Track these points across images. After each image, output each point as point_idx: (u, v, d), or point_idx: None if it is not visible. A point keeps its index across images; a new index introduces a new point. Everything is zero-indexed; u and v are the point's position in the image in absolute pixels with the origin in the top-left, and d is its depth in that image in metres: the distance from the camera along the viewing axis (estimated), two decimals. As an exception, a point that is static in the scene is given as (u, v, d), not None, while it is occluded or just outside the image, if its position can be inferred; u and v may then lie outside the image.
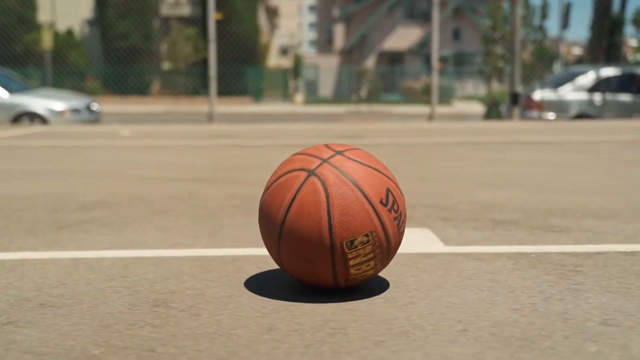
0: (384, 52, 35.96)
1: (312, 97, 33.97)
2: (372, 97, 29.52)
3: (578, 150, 5.93)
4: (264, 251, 2.18)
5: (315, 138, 7.37)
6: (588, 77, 14.21)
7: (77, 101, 13.62)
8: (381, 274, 1.89)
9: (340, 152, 1.64)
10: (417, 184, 3.78)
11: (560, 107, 13.90)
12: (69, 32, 29.78)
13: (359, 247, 1.57)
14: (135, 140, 7.29)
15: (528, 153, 5.72)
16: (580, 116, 13.76)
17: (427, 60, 33.88)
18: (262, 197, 1.68)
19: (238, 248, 2.23)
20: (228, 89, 27.37)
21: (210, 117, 11.01)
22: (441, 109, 24.86)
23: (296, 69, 32.42)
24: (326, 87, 36.16)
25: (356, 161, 1.62)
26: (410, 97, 31.55)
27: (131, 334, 1.42)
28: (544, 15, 15.12)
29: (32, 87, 15.01)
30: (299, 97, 31.37)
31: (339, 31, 39.87)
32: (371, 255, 1.59)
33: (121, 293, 1.72)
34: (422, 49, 34.31)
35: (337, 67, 36.76)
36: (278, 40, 50.55)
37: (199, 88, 30.02)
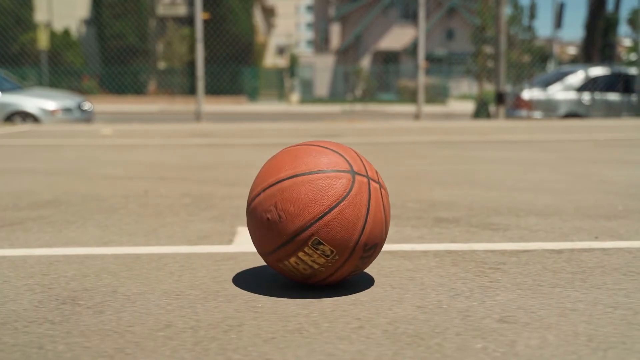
0: (379, 52, 35.96)
1: (308, 96, 33.99)
2: (367, 97, 29.53)
3: (550, 149, 5.94)
4: (192, 249, 2.19)
5: (294, 137, 7.38)
6: (577, 77, 14.24)
7: (69, 100, 13.62)
8: (299, 271, 1.90)
9: (379, 184, 1.67)
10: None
11: (549, 107, 13.93)
12: (66, 32, 29.80)
13: (318, 253, 1.57)
14: (115, 139, 7.30)
15: (499, 152, 5.72)
16: (569, 115, 13.78)
17: (423, 59, 33.88)
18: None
19: (169, 246, 2.24)
20: (223, 89, 27.40)
21: (197, 116, 11.02)
22: (434, 108, 24.88)
23: (292, 68, 32.44)
24: (322, 87, 36.16)
25: (383, 203, 1.66)
26: (406, 96, 31.56)
27: (26, 331, 1.43)
28: (532, 15, 15.12)
29: (24, 86, 15.01)
30: (294, 96, 31.40)
31: (335, 31, 39.88)
32: (316, 266, 1.60)
33: (34, 291, 1.73)
34: (416, 48, 34.30)
35: (333, 66, 36.76)
36: (275, 40, 50.57)
37: (193, 87, 30.04)
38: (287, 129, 9.35)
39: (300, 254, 1.58)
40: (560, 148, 6.07)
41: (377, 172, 1.69)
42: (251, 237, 1.70)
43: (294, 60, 32.87)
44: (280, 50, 50.72)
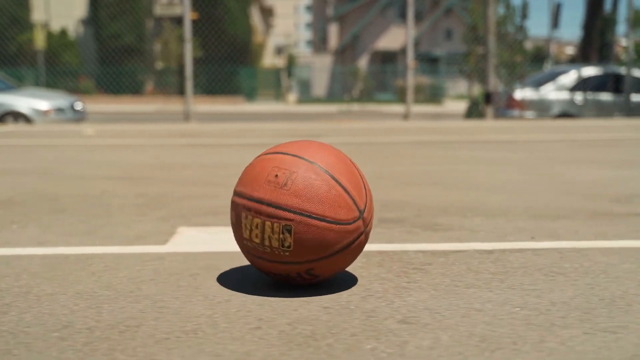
0: (377, 52, 35.95)
1: (306, 96, 33.97)
2: (365, 97, 29.53)
3: (527, 149, 5.93)
4: (123, 249, 2.19)
5: (277, 137, 7.37)
6: (569, 77, 14.23)
7: (62, 100, 13.63)
8: (215, 269, 1.90)
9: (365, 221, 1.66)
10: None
11: (541, 107, 13.92)
12: (63, 32, 29.83)
13: (280, 235, 1.58)
14: (98, 140, 7.29)
15: (476, 151, 5.71)
16: (562, 115, 13.77)
17: (420, 59, 33.85)
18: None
19: (102, 247, 2.23)
20: (220, 89, 27.42)
21: (186, 117, 11.01)
22: (429, 108, 24.87)
23: (289, 68, 32.44)
24: (320, 87, 36.15)
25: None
26: (403, 96, 31.52)
27: None
28: (524, 15, 15.09)
29: (17, 86, 15.03)
30: (292, 96, 31.40)
31: (333, 31, 39.87)
32: (267, 247, 1.60)
33: (-52, 290, 1.73)
34: (415, 48, 34.28)
35: (331, 66, 36.75)
36: (274, 40, 50.54)
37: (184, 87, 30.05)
38: (272, 129, 9.35)
39: (267, 223, 1.58)
40: (538, 148, 6.06)
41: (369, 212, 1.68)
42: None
43: (291, 61, 32.86)
44: (279, 51, 50.73)
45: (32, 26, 29.03)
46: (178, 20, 31.65)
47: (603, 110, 13.74)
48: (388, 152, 5.84)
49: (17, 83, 21.63)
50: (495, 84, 11.26)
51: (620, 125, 9.57)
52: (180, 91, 29.14)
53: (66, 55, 29.11)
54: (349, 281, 1.80)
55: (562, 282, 1.77)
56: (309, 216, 1.58)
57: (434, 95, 31.71)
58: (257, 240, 1.62)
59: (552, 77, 14.84)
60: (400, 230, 2.47)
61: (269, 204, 1.59)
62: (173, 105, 26.85)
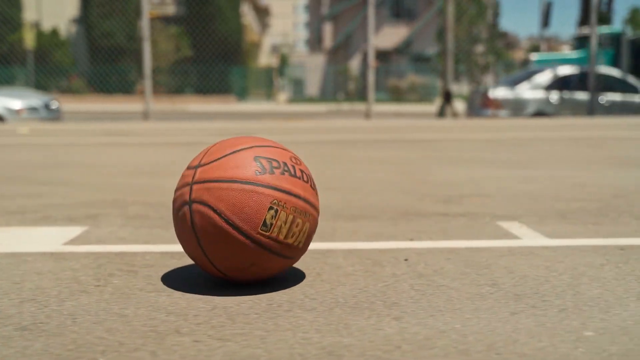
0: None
1: (299, 95, 33.97)
2: (356, 96, 29.48)
3: (448, 148, 5.90)
4: None
5: (215, 136, 7.36)
6: (545, 76, 14.16)
7: (35, 100, 13.64)
8: (55, 270, 1.90)
9: (197, 166, 1.62)
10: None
11: (516, 106, 13.87)
12: (54, 32, 29.94)
13: (274, 222, 1.56)
14: (30, 139, 7.31)
15: (397, 151, 5.68)
16: (538, 114, 13.71)
17: (413, 59, 33.82)
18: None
19: None
20: (211, 88, 27.44)
21: (145, 116, 11.02)
22: (420, 108, 24.81)
23: (281, 68, 32.45)
24: (313, 86, 36.14)
25: (213, 161, 1.60)
26: (396, 95, 31.49)
27: None
28: (496, 14, 15.04)
29: (-8, 86, 15.04)
30: (283, 96, 31.40)
31: (327, 30, 39.85)
32: (292, 217, 1.58)
33: None
34: (407, 47, 34.25)
35: (324, 66, 36.73)
36: (271, 40, 50.58)
37: (181, 87, 30.12)
38: (218, 128, 9.34)
39: (280, 237, 1.58)
40: (463, 147, 6.02)
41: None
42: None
43: (284, 60, 32.86)
44: (274, 50, 50.80)
45: (23, 26, 29.15)
46: (170, 20, 31.77)
47: (580, 110, 13.67)
48: (314, 152, 5.83)
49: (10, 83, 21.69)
50: (450, 82, 11.21)
51: (582, 124, 9.51)
52: (170, 90, 29.24)
53: (57, 55, 29.21)
54: (58, 281, 1.79)
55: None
56: (315, 209, 1.68)
57: (426, 94, 31.62)
58: (306, 224, 1.62)
59: (527, 76, 14.79)
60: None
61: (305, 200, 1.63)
62: (162, 104, 26.90)
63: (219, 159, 1.60)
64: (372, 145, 6.31)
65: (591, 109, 12.46)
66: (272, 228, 1.56)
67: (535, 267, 1.88)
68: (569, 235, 2.32)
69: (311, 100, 32.78)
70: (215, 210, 1.54)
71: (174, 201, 1.64)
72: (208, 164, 1.60)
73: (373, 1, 10.70)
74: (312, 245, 2.14)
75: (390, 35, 35.16)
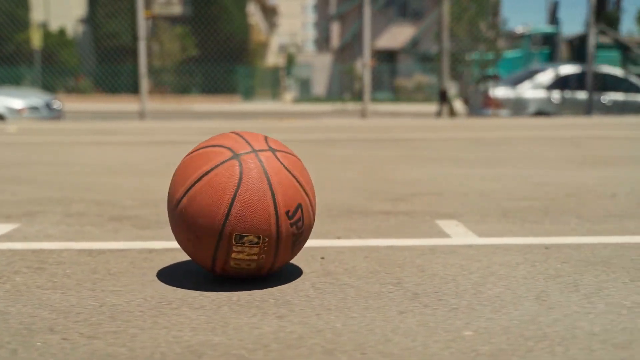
0: (376, 51, 35.84)
1: (306, 95, 33.96)
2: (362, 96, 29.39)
3: (428, 147, 5.86)
4: None
5: (202, 135, 7.35)
6: (547, 75, 14.07)
7: (36, 99, 13.69)
8: None
9: (273, 150, 1.63)
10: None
11: (518, 105, 13.79)
12: (61, 32, 30.10)
13: (247, 245, 1.55)
14: (18, 137, 7.35)
15: (374, 150, 5.65)
16: (539, 114, 13.62)
17: (420, 58, 33.70)
18: (183, 159, 1.65)
19: None
20: (217, 87, 27.49)
21: (141, 115, 11.04)
22: (425, 107, 24.71)
23: (288, 67, 32.44)
24: (320, 86, 36.12)
25: (283, 165, 1.61)
26: (402, 95, 31.40)
27: None
28: (495, 13, 14.94)
29: (-6, 85, 15.12)
30: (289, 95, 31.39)
31: (335, 30, 39.81)
32: (255, 257, 1.58)
33: None
34: (414, 47, 34.16)
35: (331, 65, 36.70)
36: (280, 40, 50.59)
37: (187, 86, 30.19)
38: (209, 127, 9.33)
39: (233, 255, 1.57)
40: (433, 146, 5.98)
41: (275, 143, 1.67)
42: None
43: (290, 60, 32.87)
44: (282, 49, 50.83)
45: (30, 26, 29.34)
46: (177, 20, 31.85)
47: (581, 109, 13.56)
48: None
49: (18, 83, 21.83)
50: (447, 82, 11.15)
51: (555, 124, 9.43)
52: (177, 90, 29.33)
53: (64, 55, 29.36)
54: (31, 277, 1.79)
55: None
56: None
57: (434, 94, 31.48)
58: (253, 265, 1.62)
59: (529, 75, 14.70)
60: (152, 231, 2.45)
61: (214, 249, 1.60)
62: (169, 104, 27.00)
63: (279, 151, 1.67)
64: (352, 144, 6.28)
65: (589, 108, 12.36)
66: (294, 218, 1.60)
67: (449, 266, 1.86)
68: (500, 234, 2.29)
69: (317, 99, 32.75)
70: (266, 173, 1.58)
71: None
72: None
73: (368, 0, 10.64)
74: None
75: (397, 35, 35.07)
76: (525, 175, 3.88)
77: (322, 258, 1.96)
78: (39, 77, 26.57)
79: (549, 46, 21.31)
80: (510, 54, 22.22)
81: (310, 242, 2.17)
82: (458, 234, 2.28)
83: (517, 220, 2.51)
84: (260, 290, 1.63)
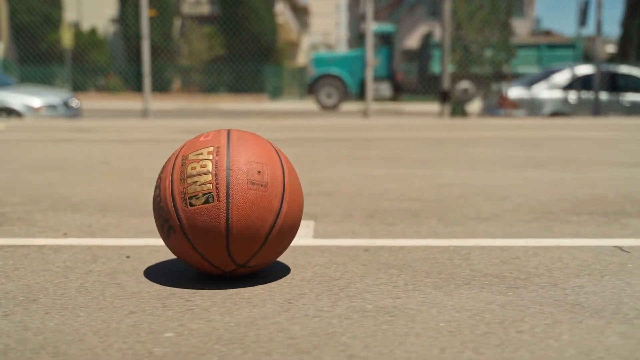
0: (405, 50, 35.59)
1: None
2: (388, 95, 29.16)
3: (383, 147, 5.80)
4: None
5: (188, 134, 7.42)
6: (563, 75, 13.83)
7: (54, 97, 13.94)
8: None
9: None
10: (129, 182, 3.79)
11: (533, 106, 13.58)
12: (92, 31, 30.67)
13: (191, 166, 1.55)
14: (5, 134, 7.51)
15: (331, 149, 5.61)
16: (555, 114, 13.39)
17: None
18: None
19: None
20: (244, 87, 27.70)
21: (144, 114, 11.18)
22: (428, 107, 24.41)
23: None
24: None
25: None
26: (432, 94, 31.06)
27: None
28: (509, 13, 14.68)
29: (13, 82, 15.47)
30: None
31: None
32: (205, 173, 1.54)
33: None
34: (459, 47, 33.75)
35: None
36: (312, 39, 50.59)
37: (215, 85, 30.48)
38: (206, 125, 9.38)
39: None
40: (389, 146, 5.91)
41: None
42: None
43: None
44: (314, 48, 50.86)
45: (63, 25, 29.96)
46: (205, 19, 32.16)
47: (599, 110, 13.28)
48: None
49: (17, 79, 22.33)
50: (449, 81, 11.01)
51: (544, 124, 9.22)
52: (204, 89, 29.62)
53: (95, 54, 29.91)
54: None
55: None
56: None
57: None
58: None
59: (545, 75, 14.47)
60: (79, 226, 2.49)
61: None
62: (197, 103, 27.28)
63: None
64: (314, 143, 6.24)
65: (596, 109, 12.08)
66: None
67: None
68: (341, 235, 2.26)
69: (348, 99, 32.59)
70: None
71: None
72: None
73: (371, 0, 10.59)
74: (45, 241, 2.15)
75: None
76: (435, 175, 3.81)
77: (128, 257, 1.96)
78: (69, 76, 27.12)
79: (386, 45, 21.27)
80: (350, 52, 22.23)
81: (133, 240, 2.17)
82: (298, 235, 2.25)
83: (375, 222, 2.47)
84: (25, 287, 1.64)
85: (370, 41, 11.12)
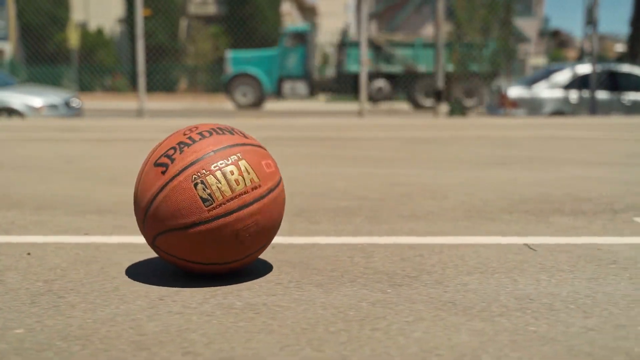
0: (412, 50, 35.47)
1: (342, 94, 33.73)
2: (394, 95, 29.07)
3: (361, 147, 5.78)
4: None
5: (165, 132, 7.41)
6: (564, 75, 13.75)
7: (55, 97, 14.00)
8: None
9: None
10: (86, 181, 3.80)
11: (534, 105, 13.52)
12: (99, 31, 30.82)
13: (210, 188, 1.52)
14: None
15: (309, 148, 5.60)
16: (556, 114, 13.32)
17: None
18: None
19: None
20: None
21: (139, 113, 11.22)
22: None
23: (322, 66, 32.37)
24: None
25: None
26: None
27: None
28: (508, 10, 14.58)
29: (15, 82, 15.55)
30: (323, 94, 31.30)
31: (372, 29, 39.63)
32: (219, 173, 1.53)
33: None
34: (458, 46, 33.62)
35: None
36: (321, 39, 50.44)
37: (221, 85, 30.53)
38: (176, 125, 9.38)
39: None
40: (367, 146, 5.89)
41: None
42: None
43: (325, 59, 32.86)
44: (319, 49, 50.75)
45: (68, 25, 30.15)
46: (212, 19, 32.23)
47: (599, 109, 13.19)
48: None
49: (19, 79, 22.45)
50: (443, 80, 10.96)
51: (532, 124, 9.15)
52: (210, 89, 29.68)
53: (101, 54, 30.06)
54: None
55: None
56: (240, 144, 1.67)
57: (469, 91, 30.94)
58: (226, 194, 1.58)
59: (545, 75, 14.39)
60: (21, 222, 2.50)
61: None
62: (202, 103, 27.34)
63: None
64: (295, 142, 6.23)
65: (592, 108, 12.00)
66: (213, 197, 1.52)
67: (144, 263, 1.83)
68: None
69: (348, 99, 32.55)
70: (169, 230, 1.55)
71: None
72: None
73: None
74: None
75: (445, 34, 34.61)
76: (394, 174, 3.79)
77: (29, 254, 1.96)
78: (76, 76, 27.26)
79: (303, 44, 21.24)
80: (267, 51, 22.19)
81: (57, 238, 2.18)
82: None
83: (297, 220, 2.47)
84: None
85: (364, 42, 11.09)
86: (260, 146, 1.65)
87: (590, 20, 27.63)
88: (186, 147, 1.56)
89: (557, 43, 43.96)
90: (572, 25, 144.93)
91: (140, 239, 2.05)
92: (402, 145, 5.90)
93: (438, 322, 1.36)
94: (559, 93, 13.54)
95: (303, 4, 40.85)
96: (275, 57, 21.51)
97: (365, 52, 11.18)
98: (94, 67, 28.84)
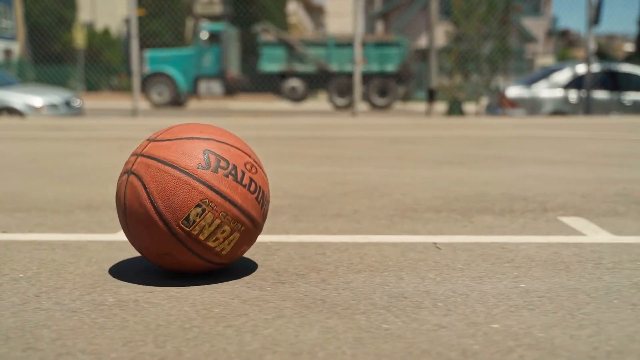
0: (419, 50, 35.39)
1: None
2: (407, 94, 29.02)
3: (343, 146, 5.77)
4: None
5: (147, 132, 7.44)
6: (563, 74, 13.68)
7: (55, 97, 14.08)
8: None
9: (152, 140, 1.63)
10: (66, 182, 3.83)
11: (533, 105, 13.46)
12: (106, 31, 31.00)
13: (198, 220, 1.53)
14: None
15: (297, 148, 5.61)
16: (555, 114, 13.27)
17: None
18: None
19: None
20: (257, 86, 27.75)
21: (134, 112, 11.27)
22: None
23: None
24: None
25: (166, 140, 1.60)
26: (442, 94, 30.85)
27: None
28: (507, 10, 14.50)
29: (16, 81, 15.64)
30: (325, 94, 31.27)
31: (379, 29, 39.56)
32: (218, 222, 1.54)
33: None
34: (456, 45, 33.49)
35: (373, 64, 36.32)
36: (329, 38, 50.38)
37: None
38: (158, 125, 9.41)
39: (201, 237, 1.55)
40: (348, 144, 5.88)
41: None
42: None
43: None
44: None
45: (74, 25, 30.33)
46: (217, 19, 32.31)
47: (599, 109, 13.12)
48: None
49: (27, 79, 22.58)
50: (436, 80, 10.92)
51: (519, 123, 9.11)
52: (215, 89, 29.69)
53: (108, 54, 30.21)
54: None
55: None
56: (252, 221, 1.65)
57: (474, 93, 30.82)
58: (235, 235, 1.59)
59: (545, 74, 14.33)
60: None
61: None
62: (206, 102, 27.40)
63: (172, 139, 1.59)
64: (279, 141, 6.23)
65: (587, 107, 11.93)
66: (193, 225, 1.52)
67: (60, 261, 1.85)
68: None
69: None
70: (145, 188, 1.54)
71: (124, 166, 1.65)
72: (161, 141, 1.60)
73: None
74: None
75: (438, 34, 34.50)
76: (345, 173, 3.78)
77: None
78: (82, 75, 27.41)
79: (218, 44, 21.22)
80: (183, 51, 22.20)
81: (11, 236, 2.19)
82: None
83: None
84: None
85: (358, 41, 11.07)
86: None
87: (597, 19, 27.51)
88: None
89: (566, 43, 43.72)
90: (581, 24, 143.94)
91: (40, 237, 2.06)
92: (379, 145, 5.89)
93: (296, 320, 1.36)
94: (558, 93, 13.47)
95: (310, 4, 40.86)
96: (191, 56, 21.66)
97: (359, 52, 11.16)
98: (100, 66, 29.00)
